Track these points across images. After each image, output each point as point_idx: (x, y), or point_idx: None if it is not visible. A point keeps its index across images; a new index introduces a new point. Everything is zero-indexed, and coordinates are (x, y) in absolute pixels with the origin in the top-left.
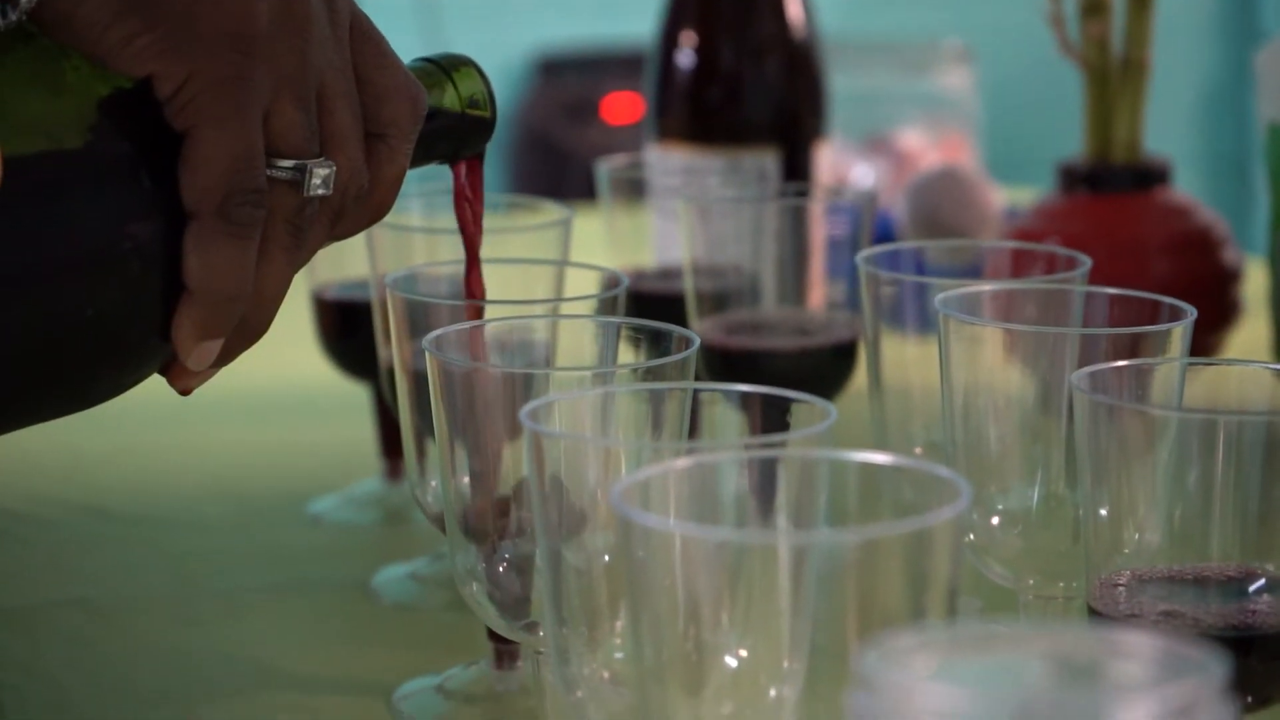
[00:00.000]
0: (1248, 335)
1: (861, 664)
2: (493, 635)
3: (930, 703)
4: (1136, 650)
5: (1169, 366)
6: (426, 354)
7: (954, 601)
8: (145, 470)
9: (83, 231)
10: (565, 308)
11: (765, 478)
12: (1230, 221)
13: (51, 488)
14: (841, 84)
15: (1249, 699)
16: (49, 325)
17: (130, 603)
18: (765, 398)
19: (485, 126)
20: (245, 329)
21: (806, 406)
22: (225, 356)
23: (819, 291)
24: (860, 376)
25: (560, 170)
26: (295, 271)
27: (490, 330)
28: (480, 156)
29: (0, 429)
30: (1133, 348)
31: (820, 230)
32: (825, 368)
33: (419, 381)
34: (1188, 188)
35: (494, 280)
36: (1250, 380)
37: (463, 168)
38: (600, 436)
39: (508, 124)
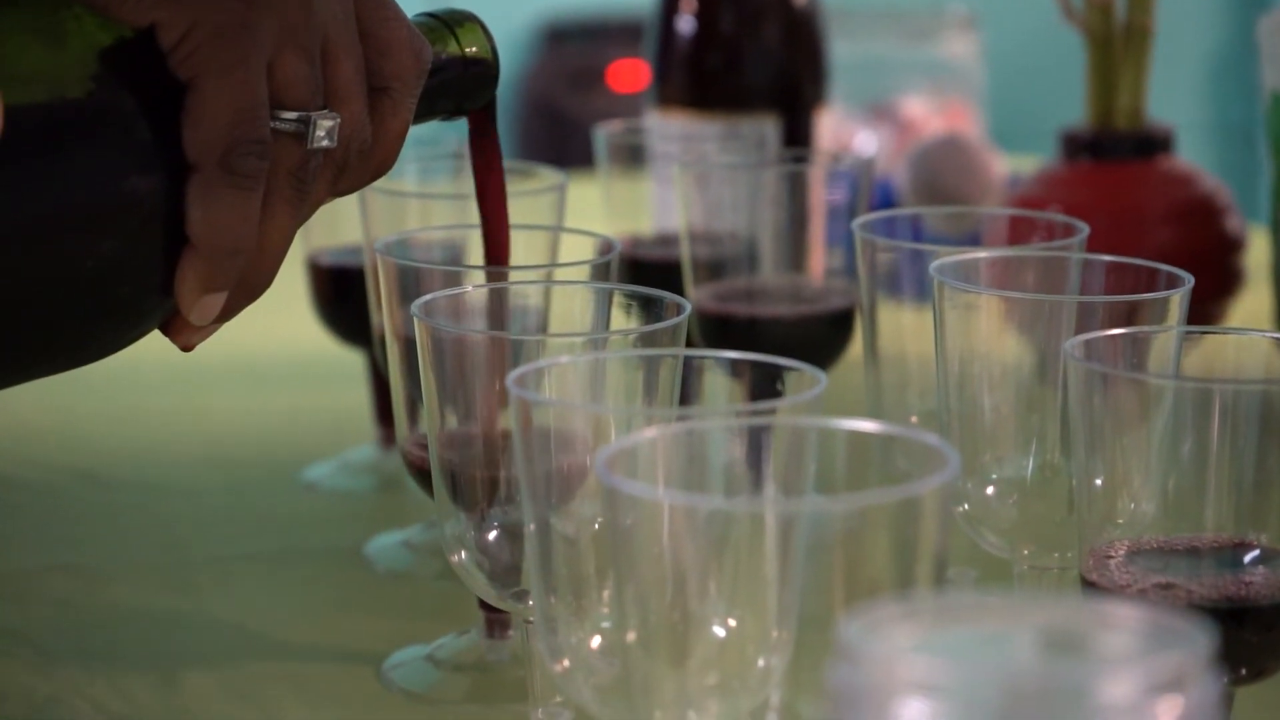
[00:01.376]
0: (1250, 304)
1: (843, 635)
2: (484, 604)
3: (913, 674)
4: (1124, 622)
5: (1165, 335)
6: (415, 320)
7: (943, 571)
8: (138, 436)
9: (84, 183)
10: (558, 273)
11: (753, 446)
12: (1240, 191)
13: (44, 453)
14: (845, 51)
15: (1243, 671)
16: (49, 278)
17: (120, 569)
18: (756, 365)
19: (488, 81)
20: (248, 284)
21: (797, 374)
22: (227, 312)
23: (819, 258)
24: (858, 344)
25: (565, 138)
26: (298, 226)
27: (482, 296)
28: (491, 112)
29: None
30: (1129, 315)
31: (819, 197)
32: (821, 336)
33: (410, 347)
34: (1198, 156)
35: None
36: (1247, 349)
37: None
38: (587, 403)
39: (513, 91)
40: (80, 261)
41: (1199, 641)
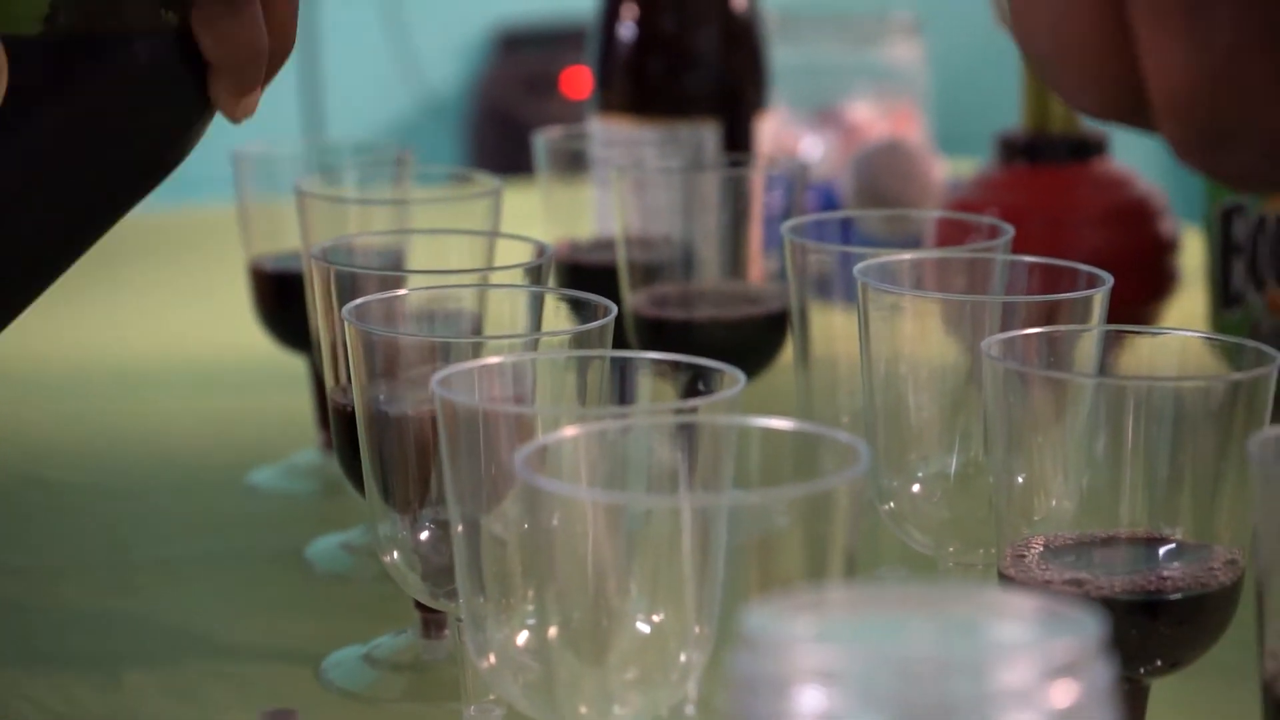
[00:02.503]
0: (1185, 306)
1: (744, 623)
2: (420, 604)
3: (810, 661)
4: (1020, 610)
5: (1087, 334)
6: (346, 323)
7: (854, 565)
8: (84, 440)
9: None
10: (493, 277)
11: (673, 444)
12: (1177, 194)
13: None
14: (790, 56)
15: (1158, 663)
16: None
17: (64, 570)
18: (680, 366)
19: None
20: (275, 59)
21: (718, 374)
22: (265, 83)
23: (757, 262)
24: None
25: (519, 144)
26: None
27: (416, 300)
28: None
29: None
30: (1050, 315)
31: (757, 201)
32: (753, 339)
33: (344, 352)
34: (1136, 160)
35: (425, 251)
36: (1161, 349)
37: None
38: (509, 403)
39: (468, 98)
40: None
41: (1092, 628)
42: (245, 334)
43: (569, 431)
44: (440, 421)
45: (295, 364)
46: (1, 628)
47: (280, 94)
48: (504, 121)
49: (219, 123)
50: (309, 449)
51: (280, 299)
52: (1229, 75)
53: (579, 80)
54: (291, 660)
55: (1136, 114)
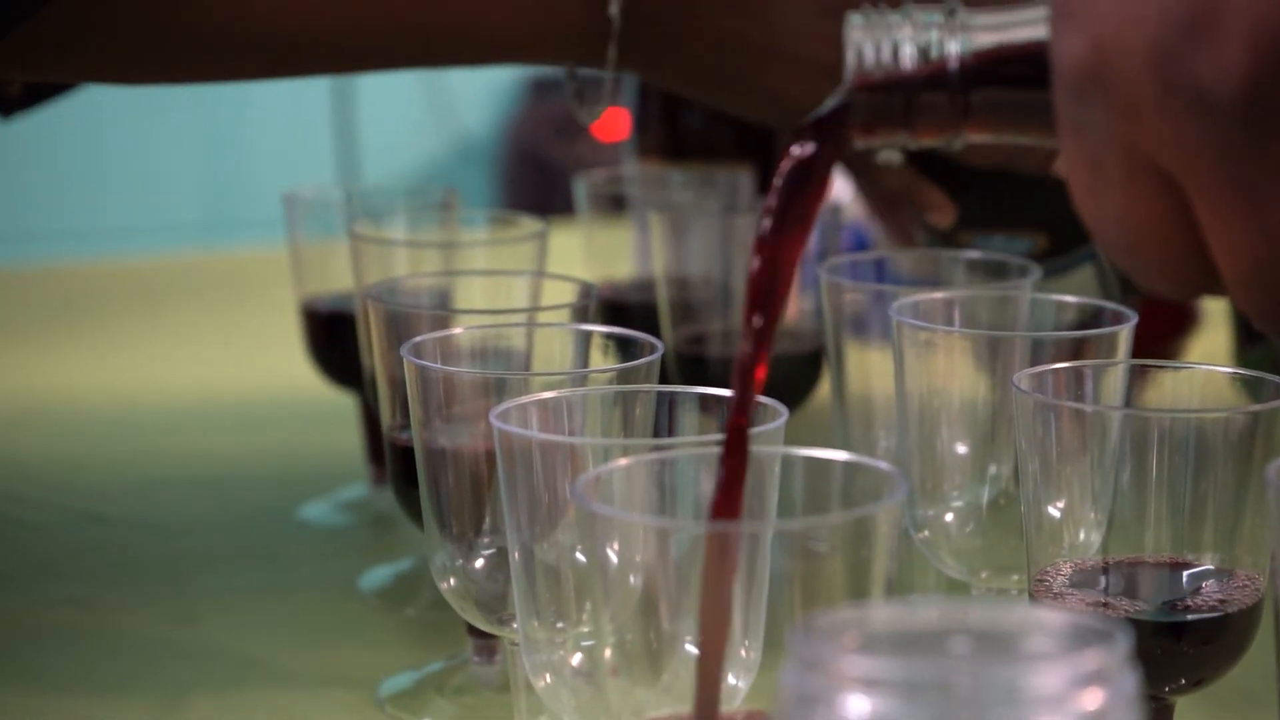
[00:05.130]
0: (1208, 343)
1: (792, 640)
2: (473, 630)
3: (855, 672)
4: (1049, 624)
5: (1112, 369)
6: (405, 360)
7: (892, 588)
8: (140, 477)
9: None
10: (540, 316)
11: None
12: None
13: (46, 494)
14: None
15: (1182, 681)
16: None
17: (123, 601)
18: (723, 400)
19: None
20: None
21: (762, 407)
22: None
23: (793, 301)
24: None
25: (550, 185)
26: None
27: (469, 338)
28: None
29: None
30: (1077, 350)
31: None
32: (791, 376)
33: (399, 389)
34: None
35: (474, 291)
36: (1186, 382)
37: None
38: (565, 436)
39: (499, 140)
40: None
41: (1118, 640)
42: (293, 372)
43: (622, 461)
44: (498, 453)
45: (342, 401)
46: (63, 658)
47: (315, 137)
48: (535, 163)
49: (262, 168)
50: (358, 483)
51: (332, 338)
52: None
53: (609, 123)
54: (348, 686)
55: (1209, 287)
